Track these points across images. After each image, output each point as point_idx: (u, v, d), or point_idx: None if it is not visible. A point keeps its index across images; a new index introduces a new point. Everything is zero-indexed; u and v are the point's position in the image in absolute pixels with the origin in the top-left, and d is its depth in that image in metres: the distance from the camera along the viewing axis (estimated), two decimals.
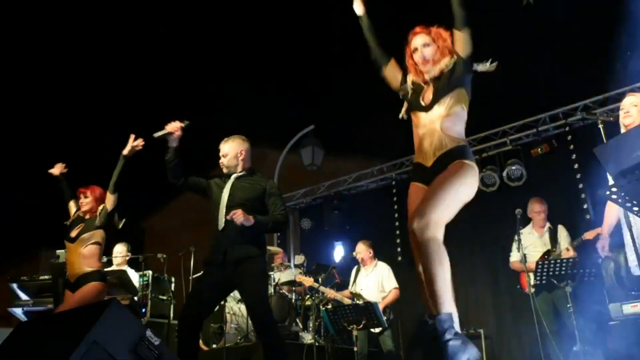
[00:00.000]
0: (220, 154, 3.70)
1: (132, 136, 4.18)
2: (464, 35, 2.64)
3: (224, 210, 3.48)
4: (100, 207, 4.31)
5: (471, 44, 2.65)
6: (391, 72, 2.91)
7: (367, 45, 2.91)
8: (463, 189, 2.48)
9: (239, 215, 3.26)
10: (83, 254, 4.16)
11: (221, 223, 3.47)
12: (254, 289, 3.38)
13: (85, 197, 4.38)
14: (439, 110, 2.62)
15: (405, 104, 2.82)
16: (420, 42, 2.73)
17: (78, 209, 4.44)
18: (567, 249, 5.18)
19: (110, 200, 4.25)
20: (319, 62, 7.11)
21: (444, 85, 2.66)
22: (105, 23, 6.40)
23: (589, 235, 5.04)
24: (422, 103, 2.70)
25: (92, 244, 4.21)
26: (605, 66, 5.91)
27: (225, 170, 3.67)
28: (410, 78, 2.83)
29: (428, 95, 2.70)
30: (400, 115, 2.84)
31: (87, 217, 4.35)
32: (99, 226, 4.24)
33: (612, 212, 3.75)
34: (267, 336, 3.31)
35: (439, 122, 2.60)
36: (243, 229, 3.33)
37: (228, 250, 3.39)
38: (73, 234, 4.25)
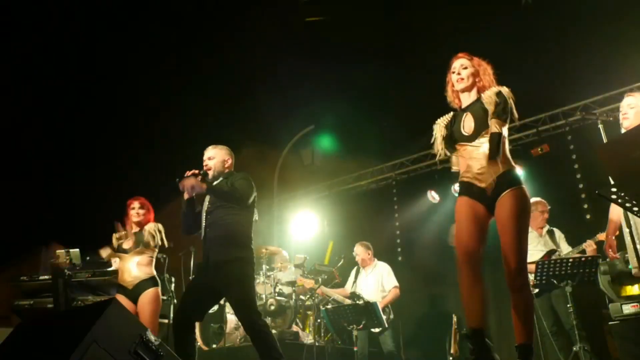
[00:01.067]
0: (206, 157, 3.74)
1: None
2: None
3: (204, 216, 3.59)
4: (155, 231, 4.45)
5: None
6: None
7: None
8: (528, 218, 2.77)
9: (188, 182, 3.38)
10: (140, 262, 4.35)
11: (202, 230, 3.58)
12: (236, 293, 3.41)
13: (142, 208, 4.51)
14: (483, 138, 2.76)
15: (442, 142, 2.98)
16: (459, 64, 2.92)
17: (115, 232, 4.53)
18: (590, 245, 5.12)
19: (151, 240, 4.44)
20: (319, 61, 7.11)
21: (484, 117, 2.78)
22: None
23: (601, 236, 5.00)
24: (465, 133, 2.83)
25: (148, 256, 4.41)
26: (605, 66, 5.91)
27: (210, 174, 3.68)
28: (439, 128, 2.99)
29: (469, 124, 2.84)
30: (438, 158, 3.08)
31: (136, 229, 4.47)
32: (148, 244, 4.38)
33: (616, 212, 3.75)
34: (257, 338, 3.33)
35: (486, 147, 2.73)
36: (222, 233, 3.43)
37: (209, 254, 3.46)
38: (126, 245, 4.42)
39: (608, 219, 3.88)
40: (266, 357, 3.28)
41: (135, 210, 4.51)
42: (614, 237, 3.84)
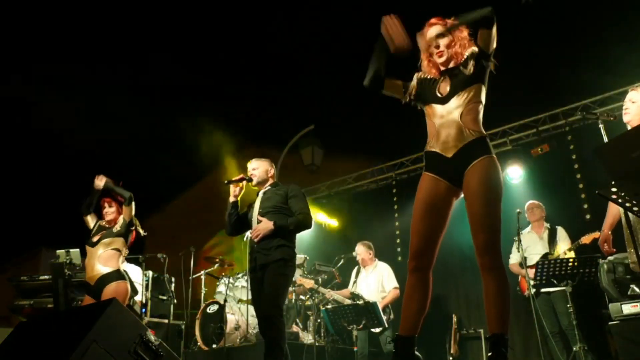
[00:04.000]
0: (250, 167, 4.11)
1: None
2: (490, 32, 2.53)
3: (255, 222, 3.86)
4: (121, 220, 4.47)
5: (495, 41, 2.57)
6: (390, 87, 2.82)
7: (369, 67, 2.81)
8: (499, 190, 2.47)
9: (258, 233, 3.70)
10: (101, 257, 4.26)
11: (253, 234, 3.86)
12: (268, 286, 3.64)
13: (110, 206, 4.53)
14: (457, 102, 2.57)
15: (413, 91, 2.75)
16: (434, 33, 2.69)
17: (98, 220, 4.58)
18: (565, 252, 5.18)
19: (126, 212, 4.45)
20: (319, 61, 7.11)
21: (462, 78, 2.60)
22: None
23: (585, 239, 5.04)
24: (439, 94, 2.64)
25: (112, 249, 4.31)
26: (605, 66, 5.91)
27: (255, 181, 4.06)
28: (417, 76, 2.78)
29: (444, 86, 2.65)
30: (406, 99, 2.77)
31: (109, 225, 4.48)
32: (118, 234, 4.37)
33: (614, 208, 3.74)
34: (270, 332, 3.51)
35: (458, 114, 2.54)
36: (268, 237, 3.71)
37: (257, 257, 3.76)
38: (94, 239, 4.39)
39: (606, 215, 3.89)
40: (270, 355, 3.42)
41: (105, 209, 4.55)
42: (610, 232, 3.83)
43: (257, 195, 4.08)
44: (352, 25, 6.40)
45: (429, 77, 2.75)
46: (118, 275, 4.20)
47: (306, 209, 3.89)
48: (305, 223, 3.87)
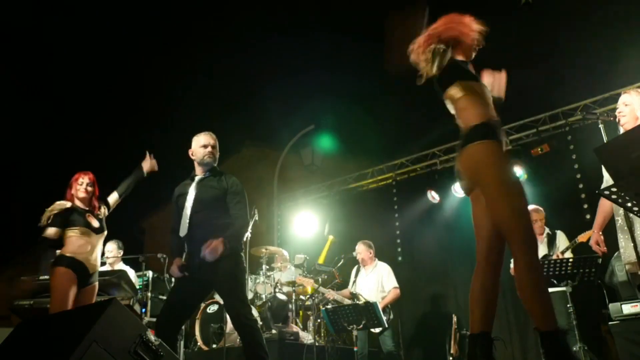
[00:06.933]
0: (209, 144, 3.61)
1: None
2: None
3: (188, 216, 3.43)
4: (104, 210, 4.21)
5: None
6: None
7: None
8: (497, 170, 2.49)
9: (211, 251, 3.21)
10: (100, 249, 4.14)
11: (184, 229, 3.43)
12: (226, 289, 3.35)
13: (91, 185, 4.12)
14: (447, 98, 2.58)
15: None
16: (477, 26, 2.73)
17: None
18: (563, 253, 5.17)
19: (113, 203, 4.23)
20: (318, 62, 7.12)
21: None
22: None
23: (582, 237, 5.05)
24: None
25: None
26: (605, 66, 5.92)
27: (209, 160, 3.57)
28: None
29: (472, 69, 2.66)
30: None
31: (89, 208, 4.13)
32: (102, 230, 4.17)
33: (605, 208, 3.77)
34: (245, 332, 3.25)
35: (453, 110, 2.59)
36: (207, 232, 3.31)
37: (197, 254, 3.32)
38: (94, 223, 4.07)
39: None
40: (251, 354, 3.21)
41: (84, 186, 4.08)
42: (600, 233, 3.86)
43: (192, 180, 3.60)
44: (353, 25, 6.41)
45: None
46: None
47: (245, 214, 3.52)
48: (243, 232, 3.56)
